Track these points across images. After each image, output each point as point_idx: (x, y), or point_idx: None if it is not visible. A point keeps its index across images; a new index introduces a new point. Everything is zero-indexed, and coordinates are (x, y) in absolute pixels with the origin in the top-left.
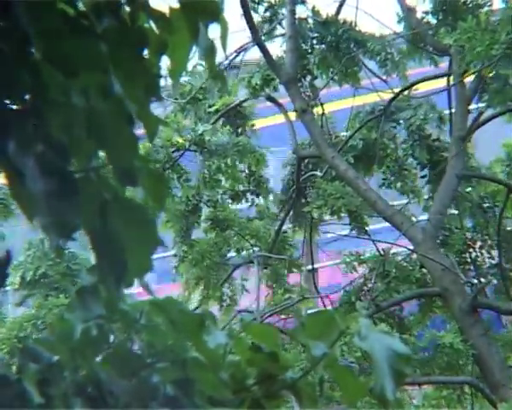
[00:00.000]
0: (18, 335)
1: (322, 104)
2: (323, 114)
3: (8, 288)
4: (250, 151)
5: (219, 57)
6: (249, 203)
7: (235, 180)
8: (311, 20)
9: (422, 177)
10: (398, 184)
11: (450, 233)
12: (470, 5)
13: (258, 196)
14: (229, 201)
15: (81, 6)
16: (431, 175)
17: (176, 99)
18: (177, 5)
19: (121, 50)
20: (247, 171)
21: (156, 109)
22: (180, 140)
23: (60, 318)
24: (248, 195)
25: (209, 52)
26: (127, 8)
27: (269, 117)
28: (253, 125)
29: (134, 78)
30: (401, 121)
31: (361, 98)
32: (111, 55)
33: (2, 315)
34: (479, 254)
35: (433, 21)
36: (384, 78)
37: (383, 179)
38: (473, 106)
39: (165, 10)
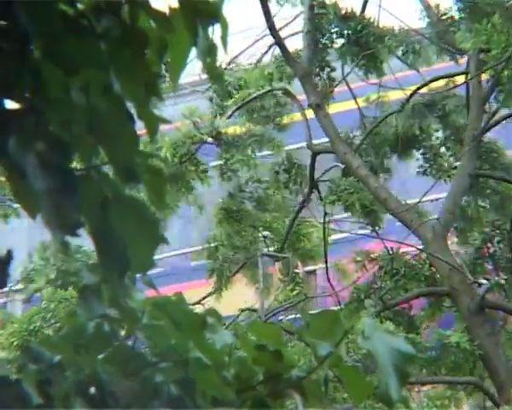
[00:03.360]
0: (28, 328)
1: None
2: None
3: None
4: (268, 140)
5: (220, 59)
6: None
7: (253, 168)
8: (331, 16)
9: (454, 168)
10: (434, 171)
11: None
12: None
13: (301, 184)
14: (272, 193)
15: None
16: None
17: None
18: (176, 5)
19: (121, 50)
20: (285, 162)
21: (167, 108)
22: (198, 134)
23: (71, 314)
24: (291, 185)
25: (208, 52)
26: (127, 8)
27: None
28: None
29: (134, 77)
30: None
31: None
32: (111, 55)
33: (7, 315)
34: (497, 249)
35: (456, 18)
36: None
37: (419, 167)
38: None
39: (166, 10)
